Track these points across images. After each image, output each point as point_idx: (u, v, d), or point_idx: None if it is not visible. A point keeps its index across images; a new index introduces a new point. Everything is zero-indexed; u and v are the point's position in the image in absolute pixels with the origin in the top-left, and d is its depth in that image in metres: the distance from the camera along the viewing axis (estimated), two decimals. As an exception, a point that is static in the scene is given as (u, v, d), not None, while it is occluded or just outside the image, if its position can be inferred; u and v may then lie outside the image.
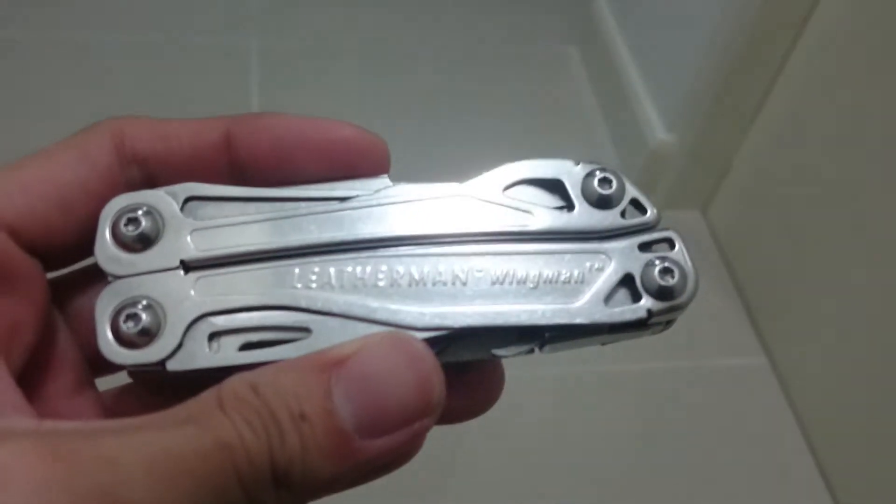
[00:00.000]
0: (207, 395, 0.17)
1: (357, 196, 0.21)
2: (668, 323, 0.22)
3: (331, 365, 0.18)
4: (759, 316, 0.85)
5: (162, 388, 0.22)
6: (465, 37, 1.15)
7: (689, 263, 0.21)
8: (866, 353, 0.71)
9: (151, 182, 0.22)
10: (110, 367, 0.21)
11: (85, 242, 0.21)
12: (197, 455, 0.16)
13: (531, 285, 0.21)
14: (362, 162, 0.22)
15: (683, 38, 0.89)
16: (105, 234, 0.20)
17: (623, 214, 0.22)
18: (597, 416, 0.78)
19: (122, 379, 0.22)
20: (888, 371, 0.68)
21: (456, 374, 0.19)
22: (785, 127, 0.82)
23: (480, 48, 1.13)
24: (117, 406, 0.22)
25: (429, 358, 0.18)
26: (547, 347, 0.21)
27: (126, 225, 0.20)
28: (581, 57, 1.11)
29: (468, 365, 0.22)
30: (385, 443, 0.18)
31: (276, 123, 0.22)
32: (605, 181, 0.22)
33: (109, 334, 0.20)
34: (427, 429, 0.18)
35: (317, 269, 0.21)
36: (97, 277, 0.21)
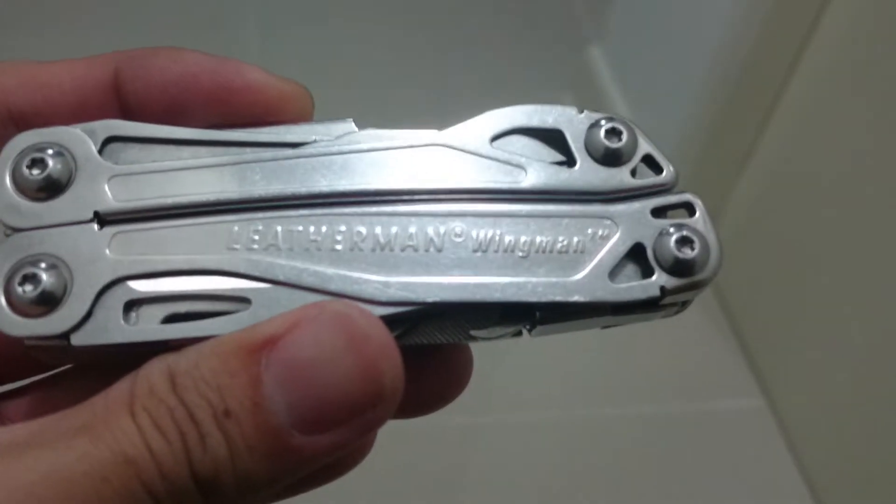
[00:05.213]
0: (118, 390, 0.14)
1: (314, 142, 0.18)
2: (685, 304, 0.18)
3: (260, 346, 0.14)
4: (756, 357, 0.83)
5: (85, 374, 0.18)
6: (458, 83, 1.14)
7: (713, 232, 0.18)
8: (867, 394, 0.68)
9: None
10: (11, 375, 0.18)
11: None
12: (90, 476, 0.13)
13: (521, 254, 0.17)
14: (273, 115, 0.18)
15: (675, 85, 0.89)
16: (4, 177, 0.17)
17: (633, 173, 0.18)
18: (589, 460, 0.75)
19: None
20: (891, 412, 0.65)
21: (414, 357, 0.16)
22: (778, 170, 0.81)
23: (474, 94, 1.12)
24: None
25: (377, 337, 0.15)
26: (537, 329, 0.17)
27: (30, 167, 0.17)
28: (574, 102, 1.10)
29: (431, 347, 0.18)
30: (329, 439, 0.14)
31: (170, 65, 0.18)
32: (612, 132, 0.18)
33: (2, 299, 0.16)
34: (380, 421, 0.15)
35: (260, 228, 0.17)
36: None
